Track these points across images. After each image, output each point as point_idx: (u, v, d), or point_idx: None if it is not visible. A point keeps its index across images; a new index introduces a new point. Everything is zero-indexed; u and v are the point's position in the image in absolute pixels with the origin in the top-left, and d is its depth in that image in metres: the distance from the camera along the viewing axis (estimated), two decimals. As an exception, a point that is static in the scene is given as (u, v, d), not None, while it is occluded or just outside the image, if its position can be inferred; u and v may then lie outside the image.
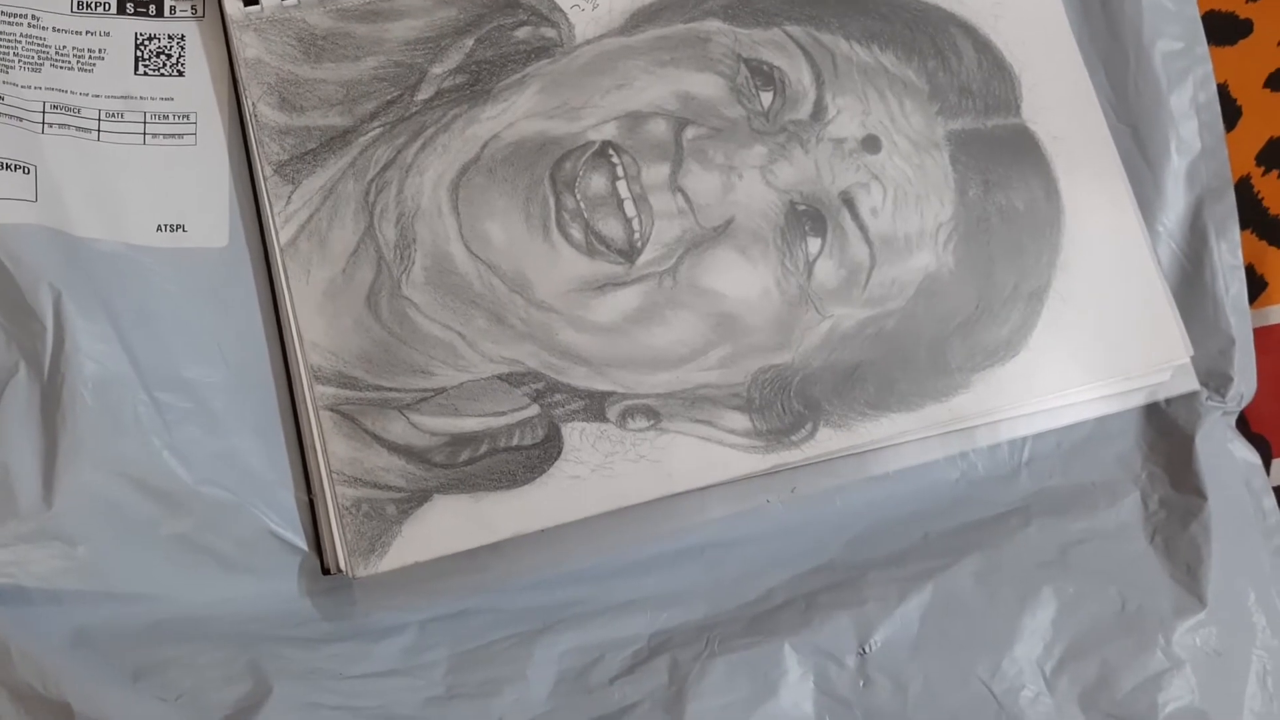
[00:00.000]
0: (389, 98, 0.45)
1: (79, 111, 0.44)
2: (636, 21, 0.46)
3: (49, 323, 0.41)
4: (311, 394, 0.42)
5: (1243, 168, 0.50)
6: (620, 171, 0.45)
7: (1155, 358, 0.45)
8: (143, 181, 0.44)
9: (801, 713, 0.41)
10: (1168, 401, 0.46)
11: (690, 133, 0.45)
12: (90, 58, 0.44)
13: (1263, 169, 0.50)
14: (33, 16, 0.44)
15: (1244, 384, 0.46)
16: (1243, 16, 0.51)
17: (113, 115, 0.44)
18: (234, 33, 0.45)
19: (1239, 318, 0.46)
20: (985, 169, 0.46)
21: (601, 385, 0.43)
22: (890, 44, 0.47)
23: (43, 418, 0.40)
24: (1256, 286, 0.49)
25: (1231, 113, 0.50)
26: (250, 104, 0.44)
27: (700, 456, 0.43)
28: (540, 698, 0.41)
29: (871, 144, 0.46)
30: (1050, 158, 0.46)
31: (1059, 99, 0.47)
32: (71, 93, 0.44)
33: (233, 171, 0.44)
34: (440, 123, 0.45)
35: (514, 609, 0.42)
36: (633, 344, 0.44)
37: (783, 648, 0.41)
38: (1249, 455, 0.45)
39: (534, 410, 0.43)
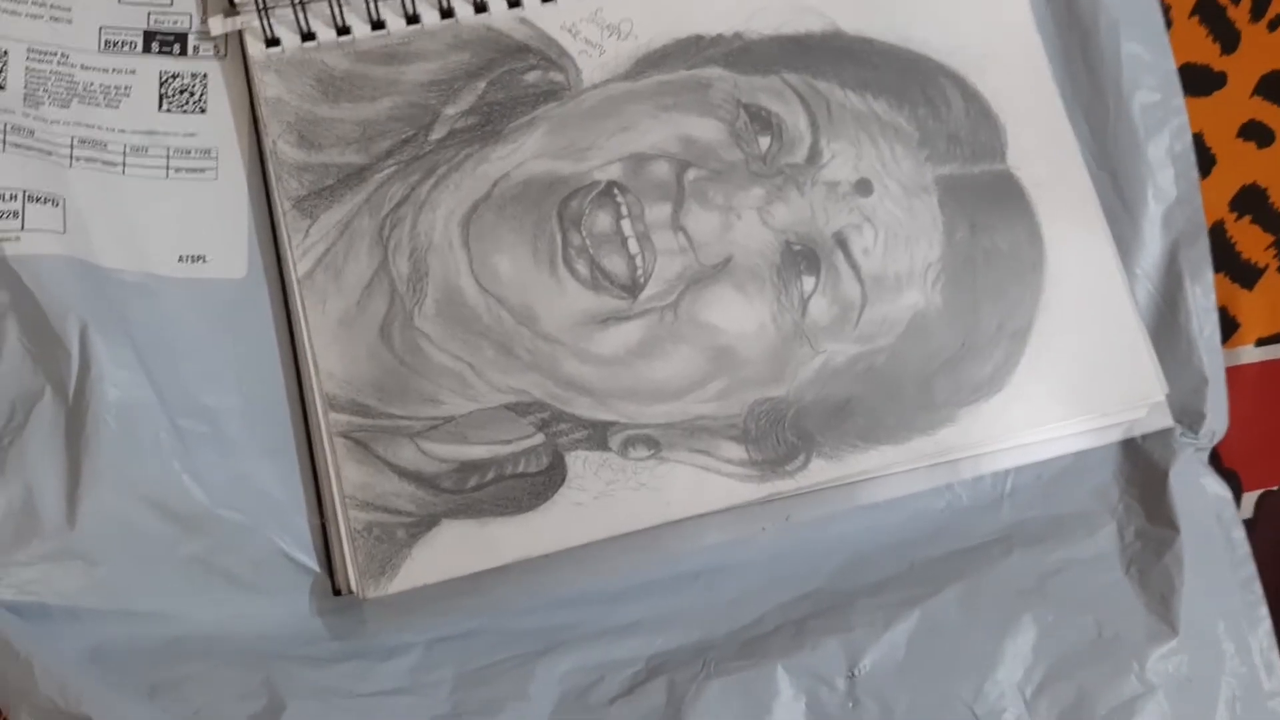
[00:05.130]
0: (404, 137, 0.47)
1: (105, 146, 0.45)
2: (641, 67, 0.48)
3: (75, 350, 0.42)
4: (326, 421, 0.44)
5: (1217, 213, 0.52)
6: (624, 210, 0.47)
7: (1132, 395, 0.47)
8: (165, 214, 0.45)
9: (793, 732, 0.42)
10: (1143, 437, 0.48)
11: (691, 174, 0.47)
12: (116, 94, 0.46)
13: (1236, 215, 0.53)
14: (62, 54, 0.46)
15: (1216, 421, 0.48)
16: (1217, 69, 0.53)
17: (137, 150, 0.46)
18: (255, 73, 0.46)
19: (1212, 357, 0.48)
20: (972, 213, 0.48)
21: (604, 415, 0.45)
22: (883, 92, 0.49)
23: (67, 441, 0.42)
24: (1229, 327, 0.51)
25: (1206, 161, 0.52)
26: (270, 141, 0.46)
27: (698, 485, 0.45)
28: (542, 717, 0.42)
29: (864, 187, 0.48)
30: (1034, 203, 0.48)
31: (1042, 147, 0.49)
32: (98, 128, 0.45)
33: (252, 205, 0.46)
34: (452, 161, 0.47)
35: (517, 630, 0.44)
36: (635, 376, 0.45)
37: (775, 670, 0.43)
38: (1220, 489, 0.47)
39: (539, 439, 0.45)
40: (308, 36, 0.47)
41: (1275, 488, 0.50)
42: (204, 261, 0.45)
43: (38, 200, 0.44)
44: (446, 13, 0.48)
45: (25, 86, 0.45)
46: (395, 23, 0.47)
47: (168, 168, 0.46)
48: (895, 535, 0.46)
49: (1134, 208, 0.49)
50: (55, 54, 0.46)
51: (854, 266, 0.47)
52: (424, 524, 0.43)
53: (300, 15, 0.46)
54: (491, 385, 0.45)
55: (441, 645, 0.43)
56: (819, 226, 0.47)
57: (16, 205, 0.43)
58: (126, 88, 0.46)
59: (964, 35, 0.50)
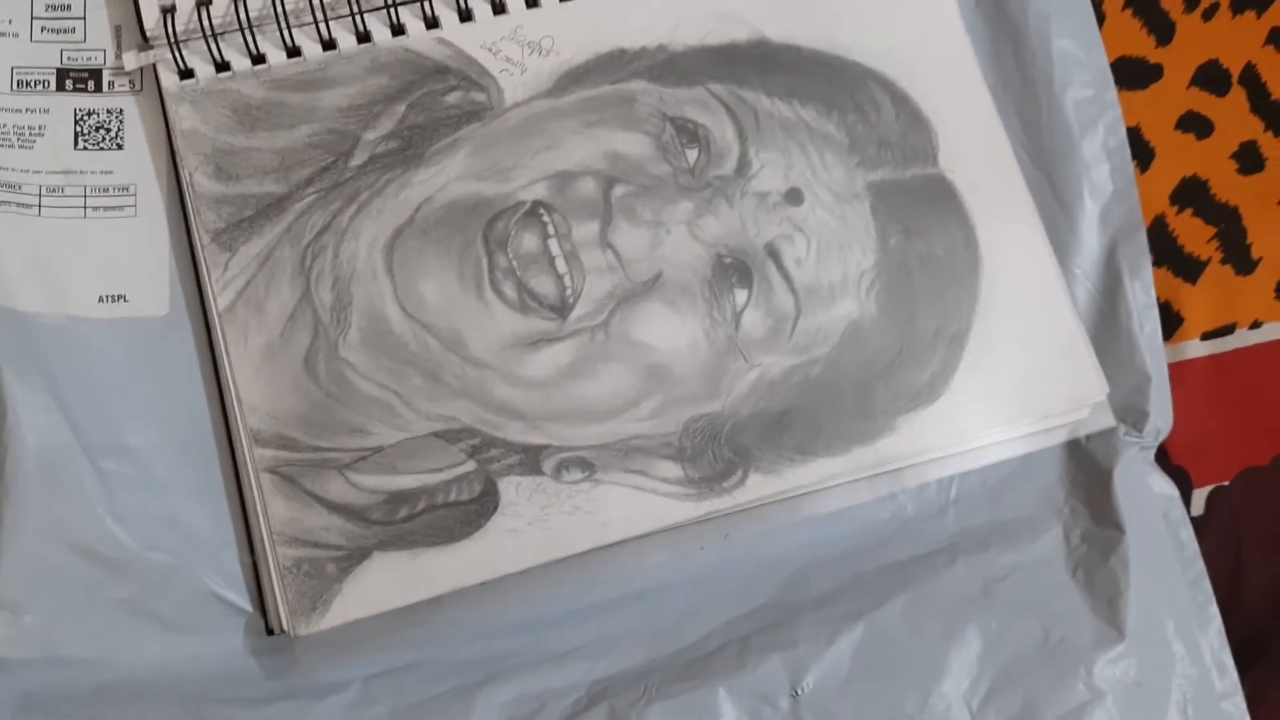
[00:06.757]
0: (323, 164, 0.46)
1: (20, 188, 0.45)
2: (564, 84, 0.48)
3: (-10, 396, 0.42)
4: (251, 456, 0.43)
5: (1157, 207, 0.52)
6: (551, 230, 0.46)
7: (1073, 396, 0.46)
8: (84, 254, 0.45)
9: (737, 755, 0.42)
10: (1088, 438, 0.47)
11: (618, 190, 0.46)
12: (30, 135, 0.45)
13: (1176, 208, 0.52)
14: (-28, 96, 0.45)
15: (1160, 419, 0.47)
16: (1153, 61, 0.53)
17: (53, 190, 0.45)
18: (170, 105, 0.46)
19: (1153, 355, 0.47)
20: (905, 218, 0.47)
21: (537, 439, 0.44)
22: (810, 99, 0.48)
23: (-14, 489, 0.41)
24: (1173, 322, 0.51)
25: (1145, 154, 0.52)
26: (187, 174, 0.45)
27: (634, 506, 0.44)
28: (482, 749, 0.42)
29: (794, 196, 0.47)
30: (967, 205, 0.48)
31: (974, 148, 0.48)
32: (12, 170, 0.45)
33: (172, 241, 0.45)
34: (374, 187, 0.46)
35: (455, 662, 0.43)
36: (566, 397, 0.45)
37: (717, 691, 0.42)
38: (1167, 488, 0.47)
39: (470, 466, 0.44)
40: (222, 67, 0.46)
41: (1226, 483, 0.50)
42: (125, 300, 0.45)
43: (-51, 245, 0.43)
44: (363, 37, 0.47)
45: (-64, 130, 0.44)
46: (311, 49, 0.47)
47: (85, 207, 0.45)
48: (840, 547, 0.46)
49: (1070, 206, 0.49)
50: (-35, 96, 0.45)
51: (787, 277, 0.46)
52: (354, 557, 0.43)
53: (213, 46, 0.46)
54: (420, 413, 0.44)
55: (378, 681, 0.43)
56: (750, 238, 0.46)
57: (-72, 251, 0.42)
58: (41, 127, 0.46)
59: (891, 38, 0.49)
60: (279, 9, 0.46)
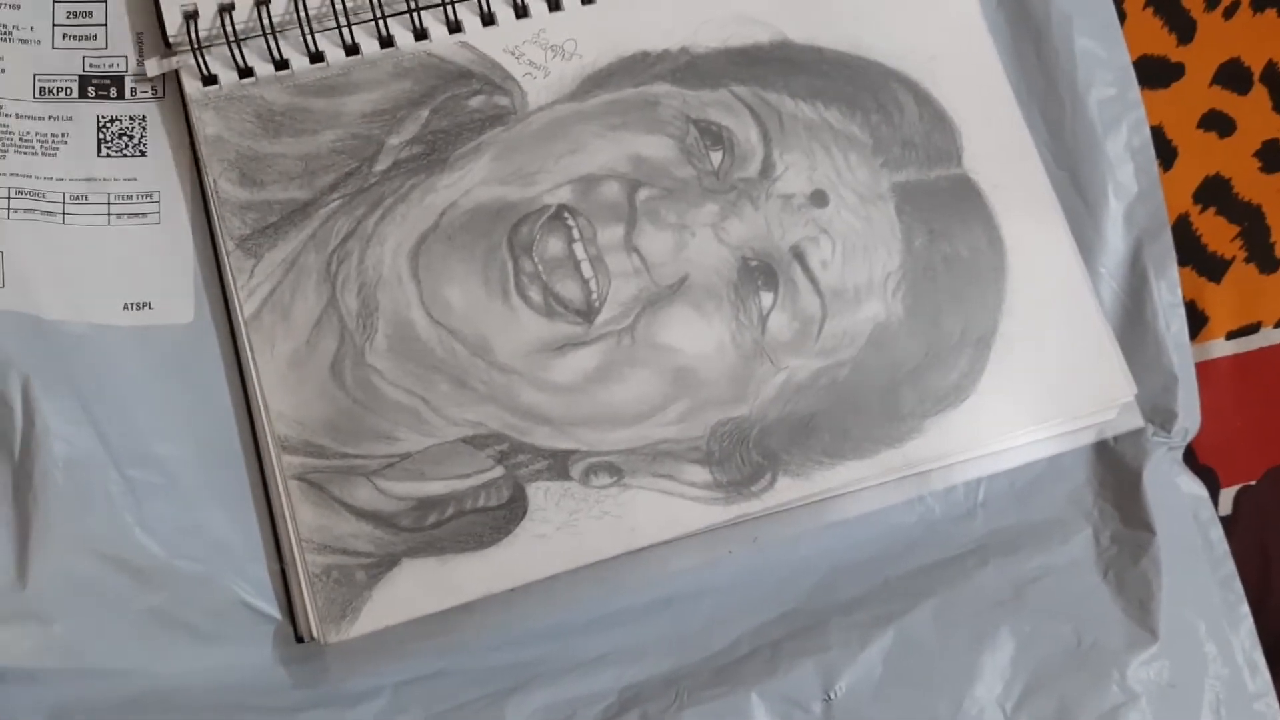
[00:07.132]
0: (347, 170, 0.46)
1: (44, 196, 0.45)
2: (587, 87, 0.47)
3: (17, 405, 0.41)
4: (279, 464, 0.43)
5: (1180, 206, 0.52)
6: (576, 234, 0.46)
7: (1100, 397, 0.46)
8: (108, 262, 0.44)
9: (770, 759, 0.42)
10: (1116, 439, 0.47)
11: (643, 194, 0.46)
12: (54, 142, 0.45)
13: (1200, 207, 0.52)
14: (-5, 104, 0.45)
15: (1188, 419, 0.47)
16: (1174, 60, 0.53)
17: (77, 198, 0.45)
18: (194, 111, 0.46)
19: (1180, 354, 0.47)
20: (930, 219, 0.47)
21: (564, 444, 0.44)
22: (834, 101, 0.48)
23: (14, 499, 0.41)
24: (1199, 322, 0.51)
25: (1168, 154, 0.52)
26: (211, 180, 0.45)
27: (663, 510, 0.44)
28: (514, 755, 0.41)
29: (819, 198, 0.47)
30: (992, 206, 0.48)
31: (998, 148, 0.48)
32: (36, 177, 0.45)
33: (196, 247, 0.45)
34: (398, 193, 0.46)
35: (486, 669, 0.43)
36: (593, 402, 0.45)
37: (750, 696, 0.42)
38: (1196, 488, 0.46)
39: (499, 471, 0.44)
40: (245, 73, 0.46)
41: (1253, 483, 0.49)
42: (150, 308, 0.44)
43: (-26, 254, 0.43)
44: (386, 41, 0.47)
45: (-42, 138, 0.44)
46: (334, 54, 0.47)
47: (109, 214, 0.45)
48: (868, 551, 0.45)
49: (1095, 205, 0.49)
50: (-12, 104, 0.45)
51: (812, 280, 0.46)
52: (384, 564, 0.43)
53: (236, 51, 0.46)
54: (447, 419, 0.44)
55: (408, 688, 0.42)
56: (775, 241, 0.46)
57: (-47, 260, 0.42)
58: (64, 135, 0.45)
59: (914, 38, 0.49)
60: (301, 14, 0.46)
